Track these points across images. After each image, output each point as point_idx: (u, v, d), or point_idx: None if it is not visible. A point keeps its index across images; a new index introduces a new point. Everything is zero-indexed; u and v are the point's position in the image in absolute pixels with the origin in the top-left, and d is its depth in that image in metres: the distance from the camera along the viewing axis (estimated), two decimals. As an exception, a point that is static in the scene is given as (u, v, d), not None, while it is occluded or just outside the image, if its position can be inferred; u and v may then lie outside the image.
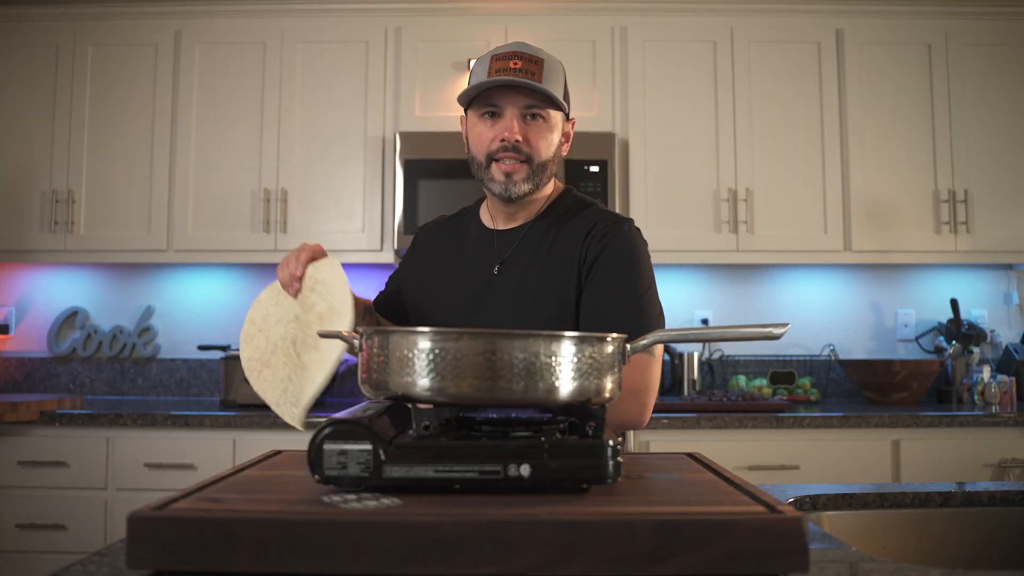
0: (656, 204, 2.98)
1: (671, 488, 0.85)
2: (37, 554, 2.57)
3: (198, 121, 3.05)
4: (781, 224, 3.00)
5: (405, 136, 2.95)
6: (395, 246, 2.94)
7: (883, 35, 3.08)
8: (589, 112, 3.02)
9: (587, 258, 1.38)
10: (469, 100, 1.39)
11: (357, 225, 3.00)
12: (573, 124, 1.46)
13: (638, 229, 1.44)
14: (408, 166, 2.93)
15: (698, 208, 3.00)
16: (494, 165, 1.37)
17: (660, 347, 1.38)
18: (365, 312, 1.47)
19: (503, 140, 1.35)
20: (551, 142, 1.39)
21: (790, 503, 1.15)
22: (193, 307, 3.34)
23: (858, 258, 3.01)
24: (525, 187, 1.38)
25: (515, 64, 1.33)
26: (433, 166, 2.93)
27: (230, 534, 0.68)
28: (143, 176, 3.04)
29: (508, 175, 1.37)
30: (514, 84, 1.32)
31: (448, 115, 3.01)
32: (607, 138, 2.93)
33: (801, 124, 3.05)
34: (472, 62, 3.01)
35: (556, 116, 1.40)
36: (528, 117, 1.37)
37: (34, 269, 3.35)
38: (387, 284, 1.62)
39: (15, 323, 3.35)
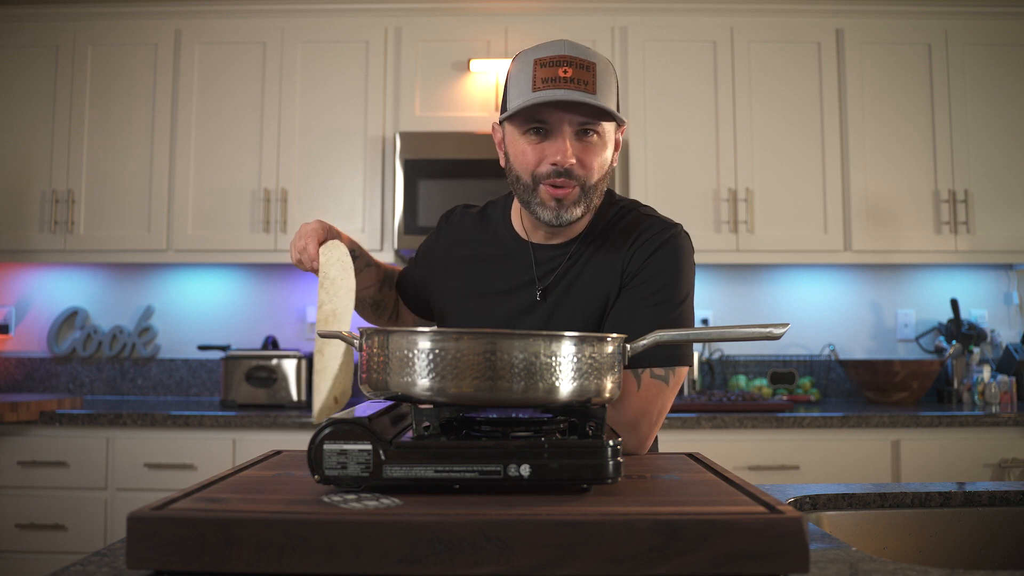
0: (656, 204, 2.94)
1: (671, 488, 0.85)
2: (37, 554, 2.57)
3: (198, 121, 3.05)
4: (781, 224, 3.00)
5: (405, 136, 2.95)
6: (395, 246, 2.94)
7: (883, 35, 3.08)
8: (589, 112, 3.02)
9: (628, 268, 1.26)
10: (518, 116, 1.20)
11: (357, 225, 3.00)
12: (623, 130, 1.29)
13: (686, 234, 1.32)
14: (408, 166, 2.93)
15: (698, 208, 3.00)
16: (543, 188, 1.20)
17: (681, 375, 1.24)
18: (384, 283, 1.46)
19: (554, 164, 1.18)
20: (605, 160, 1.23)
21: (790, 503, 1.15)
22: (193, 307, 3.34)
23: (858, 258, 3.01)
24: (577, 211, 1.22)
25: (565, 72, 1.15)
26: (433, 166, 2.93)
27: (230, 534, 0.68)
28: (143, 176, 3.04)
29: (559, 201, 1.20)
30: (575, 95, 1.13)
31: (448, 115, 3.01)
32: (607, 138, 2.92)
33: (801, 124, 3.05)
34: (472, 62, 3.02)
35: (610, 129, 1.23)
36: (581, 136, 1.20)
37: (34, 269, 3.35)
38: (416, 264, 1.48)
39: (15, 323, 3.35)
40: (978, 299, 3.35)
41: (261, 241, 3.00)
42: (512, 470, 0.80)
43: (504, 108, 1.24)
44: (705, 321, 3.30)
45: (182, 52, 3.07)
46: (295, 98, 3.05)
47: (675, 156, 3.02)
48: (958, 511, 1.17)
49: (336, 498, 0.77)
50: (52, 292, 3.35)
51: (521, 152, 1.22)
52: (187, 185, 3.03)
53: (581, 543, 0.68)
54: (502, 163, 1.29)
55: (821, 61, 3.06)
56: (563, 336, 0.83)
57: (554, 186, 1.19)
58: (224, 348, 3.03)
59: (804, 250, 3.00)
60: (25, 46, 3.10)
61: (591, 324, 1.26)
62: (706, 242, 2.97)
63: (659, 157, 3.02)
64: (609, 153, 1.24)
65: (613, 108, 1.18)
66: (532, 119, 1.19)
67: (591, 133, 1.20)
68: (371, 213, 3.00)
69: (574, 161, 1.18)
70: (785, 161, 3.03)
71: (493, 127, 1.31)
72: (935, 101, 3.06)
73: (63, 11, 3.09)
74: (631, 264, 1.26)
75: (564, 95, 1.13)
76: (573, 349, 0.84)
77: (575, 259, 1.29)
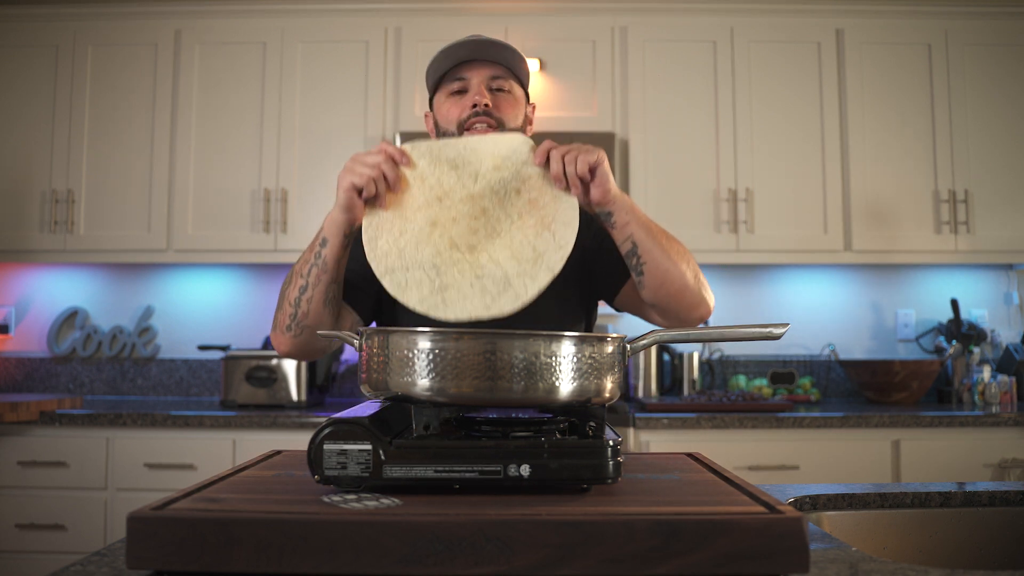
0: (656, 204, 2.98)
1: (671, 488, 0.85)
2: (37, 554, 2.57)
3: (198, 121, 3.05)
4: (781, 224, 3.00)
5: (405, 136, 2.95)
6: (395, 246, 2.93)
7: (883, 35, 3.08)
8: (589, 112, 3.02)
9: (591, 238, 1.40)
10: (438, 79, 1.39)
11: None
12: (533, 109, 1.47)
13: None
14: (408, 166, 2.92)
15: (698, 208, 3.00)
16: (466, 132, 1.35)
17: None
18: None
19: (474, 106, 1.35)
20: (518, 114, 1.40)
21: (790, 503, 1.15)
22: (193, 307, 3.34)
23: (858, 258, 3.01)
24: None
25: (475, 38, 1.37)
26: (433, 166, 2.92)
27: (229, 534, 0.68)
28: (143, 176, 3.04)
29: None
30: (483, 45, 1.35)
31: (448, 115, 3.01)
32: (607, 138, 2.93)
33: (801, 124, 3.05)
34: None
35: (520, 92, 1.41)
36: (495, 90, 1.37)
37: (34, 269, 3.35)
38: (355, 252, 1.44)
39: (15, 323, 3.35)
40: (978, 299, 3.35)
41: (261, 241, 3.00)
42: (512, 470, 0.80)
43: (431, 95, 1.44)
44: (705, 321, 3.30)
45: (182, 52, 3.07)
46: (295, 98, 3.05)
47: (675, 156, 3.02)
48: (958, 511, 1.17)
49: (336, 498, 0.77)
50: (52, 292, 3.35)
51: (446, 111, 1.38)
52: (187, 185, 3.03)
53: (581, 543, 0.68)
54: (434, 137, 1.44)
55: (821, 61, 3.06)
56: (563, 336, 0.84)
57: (477, 124, 1.35)
58: (224, 348, 3.03)
59: (804, 250, 3.00)
60: (25, 46, 3.10)
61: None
62: (706, 242, 2.97)
63: (659, 157, 3.02)
64: (521, 112, 1.41)
65: (520, 67, 1.39)
66: (452, 78, 1.37)
67: (503, 90, 1.38)
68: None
69: (488, 102, 1.35)
70: (785, 161, 3.03)
71: (426, 117, 1.46)
72: (935, 101, 3.06)
73: (63, 11, 3.09)
74: (594, 238, 1.41)
75: (474, 37, 1.35)
76: (573, 349, 0.84)
77: None
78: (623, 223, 1.19)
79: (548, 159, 1.12)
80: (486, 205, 1.10)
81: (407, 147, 1.14)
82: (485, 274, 1.06)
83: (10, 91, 3.09)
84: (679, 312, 1.29)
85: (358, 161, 1.13)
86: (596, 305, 1.53)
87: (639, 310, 1.40)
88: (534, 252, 1.07)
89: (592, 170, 1.13)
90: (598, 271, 1.42)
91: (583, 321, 1.50)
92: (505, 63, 1.37)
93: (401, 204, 1.12)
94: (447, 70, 1.38)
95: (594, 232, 1.42)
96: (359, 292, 1.37)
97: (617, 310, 1.46)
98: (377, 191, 1.12)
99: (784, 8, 3.07)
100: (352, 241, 1.23)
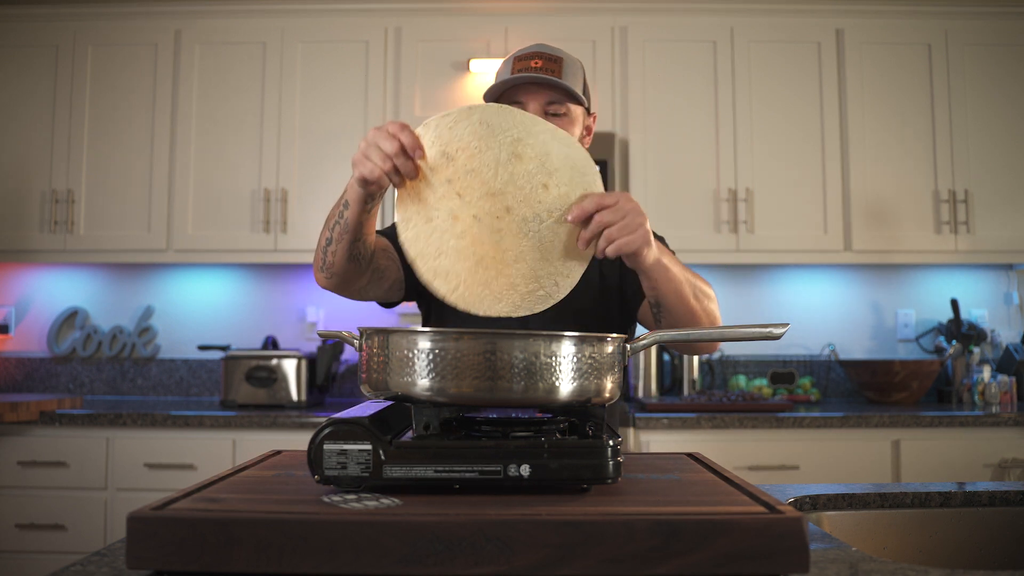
0: (656, 204, 2.98)
1: (671, 488, 0.85)
2: (37, 554, 2.57)
3: (198, 121, 3.05)
4: (781, 224, 3.00)
5: (405, 136, 2.94)
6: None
7: (883, 35, 3.08)
8: (589, 112, 3.02)
9: None
10: (494, 99, 1.41)
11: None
12: (594, 119, 1.49)
13: None
14: (408, 166, 2.92)
15: (698, 208, 3.00)
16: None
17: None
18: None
19: None
20: (573, 136, 1.41)
21: (790, 503, 1.15)
22: (193, 307, 3.34)
23: (858, 258, 3.01)
24: None
25: (536, 63, 1.37)
26: (433, 166, 2.92)
27: (230, 534, 0.68)
28: (143, 176, 3.04)
29: None
30: (535, 80, 1.36)
31: (448, 115, 3.01)
32: (607, 138, 2.93)
33: (801, 124, 3.05)
34: (472, 62, 3.03)
35: (577, 111, 1.42)
36: (551, 114, 1.39)
37: (34, 269, 3.35)
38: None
39: (15, 323, 3.35)
40: (978, 299, 3.35)
41: (261, 241, 3.00)
42: (512, 470, 0.80)
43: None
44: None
45: (182, 52, 3.07)
46: (295, 98, 3.05)
47: (675, 156, 3.02)
48: (958, 511, 1.17)
49: (336, 498, 0.77)
50: (52, 292, 3.35)
51: None
52: (187, 185, 3.03)
53: (581, 543, 0.68)
54: None
55: (821, 61, 3.06)
56: (563, 336, 0.84)
57: None
58: (224, 348, 3.03)
59: (804, 250, 3.00)
60: (25, 46, 3.10)
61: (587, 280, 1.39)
62: (706, 242, 2.97)
63: (659, 157, 3.02)
64: (577, 131, 1.43)
65: (576, 91, 1.38)
66: (511, 101, 1.39)
67: (560, 113, 1.39)
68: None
69: None
70: (785, 161, 3.03)
71: None
72: (935, 101, 3.06)
73: (63, 11, 3.09)
74: None
75: (530, 76, 1.35)
76: (573, 349, 0.84)
77: None
78: (651, 285, 1.21)
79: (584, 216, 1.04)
80: (510, 203, 1.02)
81: (425, 129, 1.03)
82: (515, 272, 1.03)
83: (10, 91, 3.09)
84: (690, 351, 1.38)
85: (373, 146, 1.04)
86: (635, 315, 1.54)
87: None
88: (564, 248, 1.03)
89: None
90: (625, 278, 1.49)
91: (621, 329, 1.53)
92: (562, 88, 1.37)
93: (423, 191, 1.04)
94: (505, 90, 1.39)
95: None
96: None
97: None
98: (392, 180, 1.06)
99: (784, 8, 3.07)
100: (375, 206, 1.19)
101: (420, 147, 1.02)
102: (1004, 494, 1.18)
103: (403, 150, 1.02)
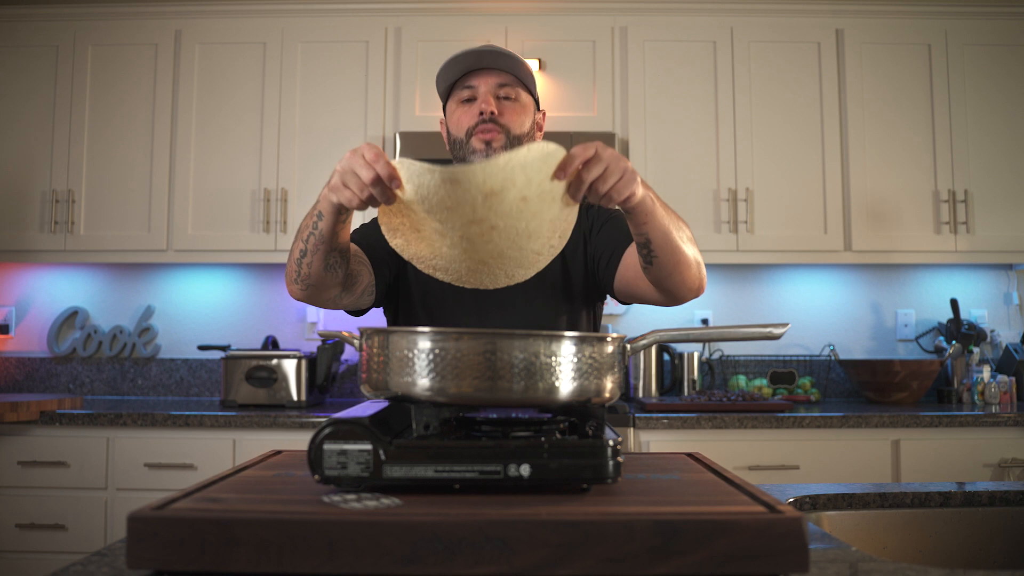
0: (656, 204, 2.98)
1: (671, 488, 0.85)
2: (37, 554, 2.57)
3: (198, 121, 3.05)
4: (781, 224, 3.00)
5: (405, 136, 2.95)
6: (395, 246, 2.93)
7: (883, 35, 3.08)
8: (589, 112, 3.02)
9: (591, 223, 1.50)
10: (449, 87, 1.47)
11: (357, 225, 2.99)
12: (543, 117, 1.53)
13: None
14: (408, 166, 2.92)
15: (698, 208, 3.00)
16: (474, 138, 1.42)
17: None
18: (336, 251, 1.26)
19: (480, 114, 1.41)
20: (524, 121, 1.45)
21: (790, 503, 1.15)
22: (193, 307, 3.34)
23: (858, 258, 3.01)
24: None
25: (485, 47, 1.44)
26: (433, 166, 2.92)
27: (230, 534, 0.68)
28: (143, 176, 3.04)
29: (487, 143, 1.41)
30: (488, 54, 1.42)
31: (448, 115, 3.01)
32: (607, 138, 2.93)
33: (801, 124, 3.05)
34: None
35: (527, 99, 1.47)
36: (502, 98, 1.44)
37: (34, 269, 3.35)
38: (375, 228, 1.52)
39: (15, 323, 3.35)
40: (978, 299, 3.35)
41: (261, 241, 3.00)
42: (512, 470, 0.80)
43: (444, 102, 1.52)
44: (705, 321, 3.30)
45: (182, 52, 3.07)
46: (295, 98, 3.05)
47: (675, 156, 3.02)
48: (958, 511, 1.17)
49: (336, 498, 0.77)
50: (52, 292, 3.35)
51: (457, 119, 1.46)
52: (187, 185, 3.03)
53: (581, 543, 0.68)
54: (447, 147, 1.51)
55: (821, 61, 3.06)
56: (563, 336, 0.84)
57: (483, 132, 1.41)
58: (224, 348, 3.02)
59: (804, 250, 3.00)
60: (25, 46, 3.10)
61: (553, 270, 1.46)
62: (706, 242, 2.97)
63: (659, 157, 3.02)
64: (529, 120, 1.47)
65: (526, 75, 1.45)
66: (462, 87, 1.45)
67: (510, 98, 1.44)
68: (372, 213, 3.00)
69: (495, 110, 1.41)
70: (785, 161, 3.03)
71: (440, 124, 1.54)
72: (935, 101, 3.06)
73: (63, 11, 3.09)
74: (595, 219, 1.51)
75: (484, 48, 1.41)
76: (573, 349, 0.84)
77: None
78: (640, 222, 1.17)
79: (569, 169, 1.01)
80: (495, 222, 0.98)
81: (399, 165, 0.98)
82: (517, 255, 1.06)
83: (10, 91, 3.09)
84: (680, 293, 1.31)
85: (350, 173, 1.02)
86: (601, 300, 1.57)
87: (637, 288, 1.38)
88: (557, 205, 1.03)
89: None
90: (595, 247, 1.49)
91: (590, 311, 1.54)
92: (511, 71, 1.43)
93: (405, 208, 1.01)
94: (457, 78, 1.45)
95: (592, 219, 1.52)
96: (384, 265, 1.46)
97: (615, 295, 1.47)
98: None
99: (784, 8, 3.07)
100: (348, 217, 1.18)
101: (397, 177, 0.98)
102: (1004, 494, 1.18)
103: (378, 179, 0.99)
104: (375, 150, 1.00)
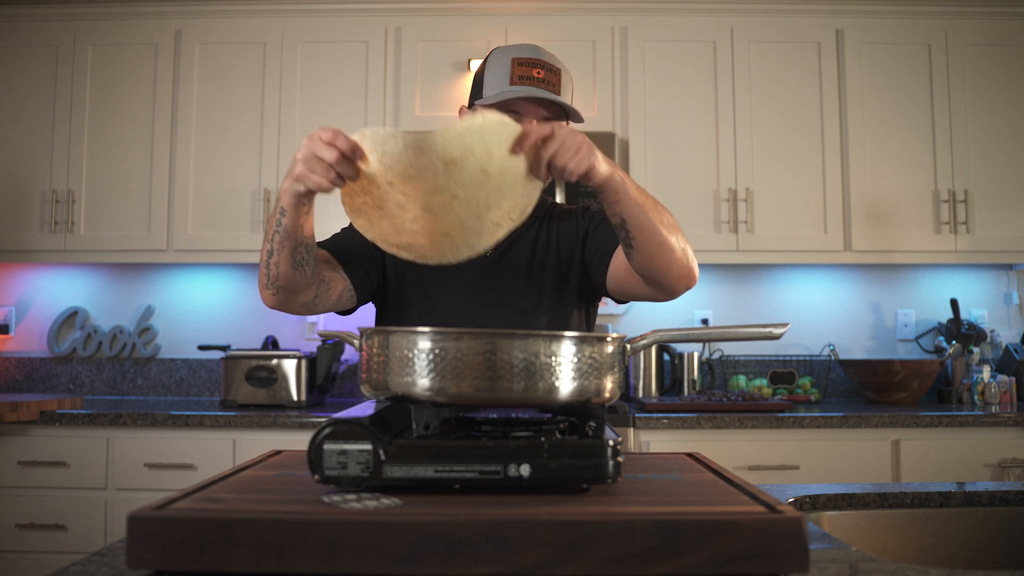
0: (656, 204, 2.98)
1: (671, 488, 0.85)
2: (37, 554, 2.57)
3: (198, 121, 3.05)
4: (781, 224, 3.00)
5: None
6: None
7: (883, 35, 3.08)
8: (589, 112, 3.02)
9: (587, 224, 1.49)
10: (492, 106, 1.39)
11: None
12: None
13: None
14: (408, 166, 2.92)
15: (698, 208, 3.00)
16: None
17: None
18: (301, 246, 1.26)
19: None
20: None
21: (790, 503, 1.15)
22: (193, 307, 3.34)
23: (858, 258, 3.01)
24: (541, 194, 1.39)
25: (538, 73, 1.35)
26: (433, 166, 2.92)
27: (230, 534, 0.68)
28: (143, 176, 3.04)
29: None
30: (538, 97, 1.35)
31: (449, 115, 3.01)
32: (607, 138, 2.93)
33: (801, 124, 3.05)
34: (472, 62, 3.02)
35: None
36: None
37: (34, 269, 3.35)
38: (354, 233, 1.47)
39: (15, 323, 3.35)
40: (978, 299, 3.35)
41: (261, 241, 2.99)
42: (512, 470, 0.80)
43: (479, 94, 1.42)
44: (705, 321, 3.30)
45: (182, 52, 3.07)
46: (295, 98, 3.05)
47: (675, 156, 3.02)
48: (958, 511, 1.17)
49: (336, 498, 0.77)
50: (52, 292, 3.35)
51: None
52: (187, 185, 3.03)
53: (581, 543, 0.68)
54: None
55: (821, 61, 3.06)
56: (563, 336, 0.84)
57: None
58: (224, 348, 3.02)
59: (804, 250, 3.00)
60: (25, 46, 3.10)
61: (550, 272, 1.47)
62: (706, 242, 2.97)
63: (659, 157, 3.02)
64: None
65: (576, 111, 1.40)
66: (508, 109, 1.35)
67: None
68: (342, 221, 2.99)
69: None
70: (785, 161, 3.03)
71: (461, 110, 1.46)
72: (935, 101, 3.06)
73: (63, 11, 3.09)
74: (591, 220, 1.50)
75: (538, 92, 1.34)
76: (573, 349, 0.84)
77: (529, 225, 1.51)
78: (612, 201, 1.18)
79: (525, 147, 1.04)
80: (455, 191, 1.03)
81: (360, 138, 1.02)
82: (478, 225, 1.07)
83: (10, 91, 3.09)
84: (668, 282, 1.30)
85: (313, 158, 1.04)
86: (596, 300, 1.57)
87: (628, 284, 1.39)
88: (519, 178, 1.06)
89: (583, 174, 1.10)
90: (588, 248, 1.48)
91: (583, 311, 1.53)
92: (561, 107, 1.37)
93: (368, 185, 1.05)
94: (503, 100, 1.36)
95: (588, 221, 1.51)
96: (359, 267, 1.44)
97: (609, 294, 1.47)
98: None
99: (784, 8, 3.07)
100: (311, 206, 1.20)
101: (359, 148, 1.01)
102: (1004, 494, 1.18)
103: (343, 156, 1.01)
104: (332, 130, 1.02)
